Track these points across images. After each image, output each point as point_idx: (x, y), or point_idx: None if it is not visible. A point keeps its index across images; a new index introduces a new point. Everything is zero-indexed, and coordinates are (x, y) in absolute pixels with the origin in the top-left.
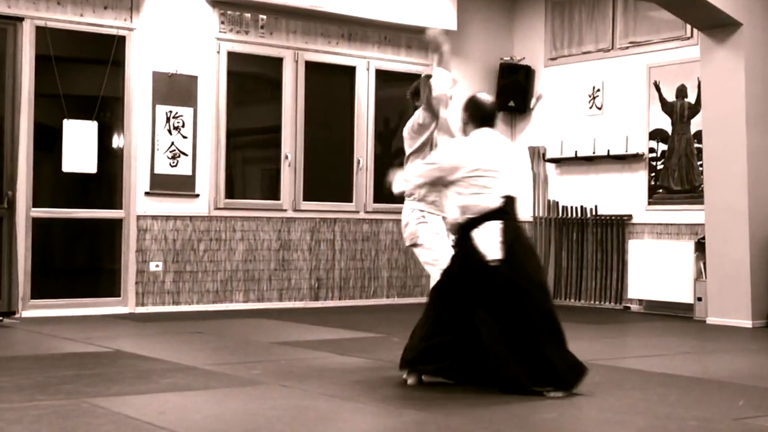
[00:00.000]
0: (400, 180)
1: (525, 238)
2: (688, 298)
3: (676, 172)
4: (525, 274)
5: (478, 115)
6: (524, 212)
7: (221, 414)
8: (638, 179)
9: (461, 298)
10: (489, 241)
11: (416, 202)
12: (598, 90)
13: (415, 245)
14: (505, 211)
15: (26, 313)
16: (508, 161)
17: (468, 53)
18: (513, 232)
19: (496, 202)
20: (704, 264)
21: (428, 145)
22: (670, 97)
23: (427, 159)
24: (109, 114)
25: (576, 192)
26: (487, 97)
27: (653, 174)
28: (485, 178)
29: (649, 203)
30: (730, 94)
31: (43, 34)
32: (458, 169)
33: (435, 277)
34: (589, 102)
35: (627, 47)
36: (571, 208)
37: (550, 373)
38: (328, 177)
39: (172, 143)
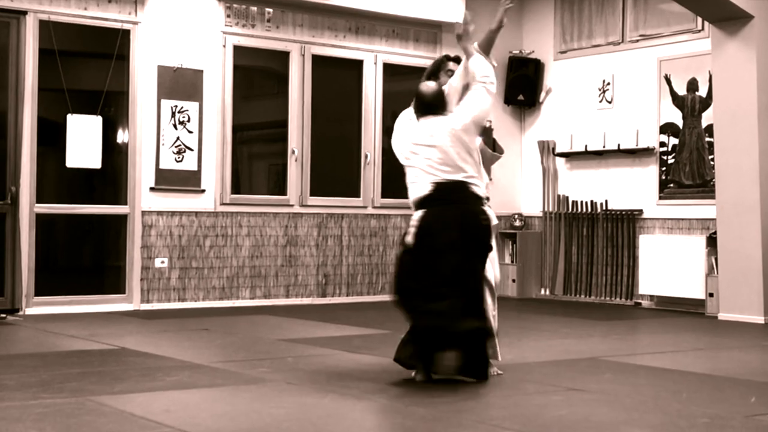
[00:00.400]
0: None
1: (447, 220)
2: (699, 293)
3: (687, 166)
4: (431, 252)
5: (419, 105)
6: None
7: (228, 412)
8: (649, 174)
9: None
10: (409, 229)
11: None
12: (608, 83)
13: None
14: (435, 198)
15: (30, 311)
16: (441, 145)
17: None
18: (431, 217)
19: (423, 191)
20: (716, 259)
21: None
22: (681, 90)
23: None
24: (113, 109)
25: (586, 187)
26: (427, 87)
27: (664, 168)
28: (415, 168)
29: (660, 198)
30: (742, 87)
31: (46, 27)
32: (397, 154)
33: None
34: (599, 96)
35: (637, 40)
36: (581, 203)
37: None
38: (335, 172)
39: (178, 138)
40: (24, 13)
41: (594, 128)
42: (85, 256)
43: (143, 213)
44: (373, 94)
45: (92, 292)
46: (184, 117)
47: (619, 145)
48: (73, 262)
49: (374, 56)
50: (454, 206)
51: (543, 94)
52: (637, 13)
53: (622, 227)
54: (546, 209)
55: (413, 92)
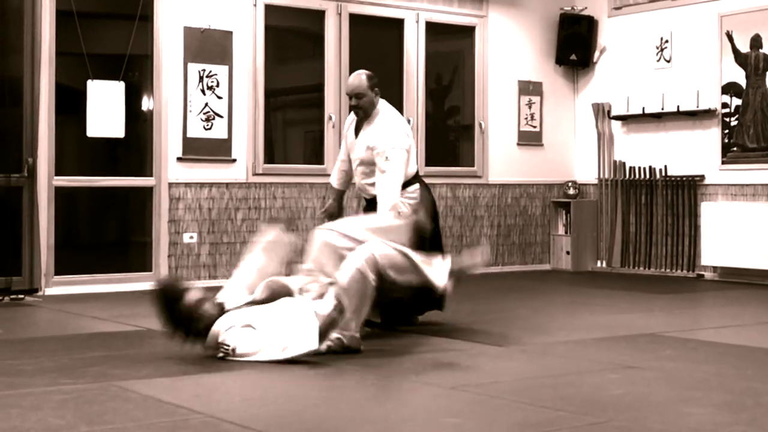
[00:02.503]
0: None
1: None
2: (766, 264)
3: (751, 128)
4: None
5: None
6: None
7: (262, 396)
8: (711, 137)
9: None
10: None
11: None
12: (667, 41)
13: None
14: None
15: (49, 291)
16: None
17: (526, 3)
18: None
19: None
20: None
21: None
22: (744, 47)
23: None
24: (137, 73)
25: (644, 152)
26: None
27: (727, 131)
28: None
29: (723, 162)
30: None
31: None
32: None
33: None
34: (657, 54)
35: None
36: (639, 169)
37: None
38: None
39: (206, 104)
40: None
41: (652, 89)
42: (108, 231)
43: (170, 185)
44: (415, 55)
45: (116, 270)
46: (212, 82)
47: (678, 106)
48: (95, 238)
49: (416, 14)
50: None
51: (597, 54)
52: None
53: (682, 194)
54: (601, 176)
55: (457, 53)
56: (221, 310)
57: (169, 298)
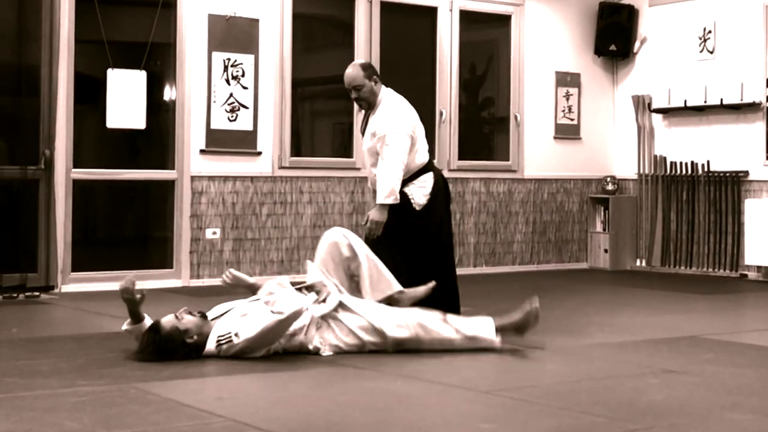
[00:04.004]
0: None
1: None
2: None
3: None
4: None
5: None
6: None
7: (286, 399)
8: (755, 131)
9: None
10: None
11: None
12: (710, 32)
13: None
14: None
15: (66, 288)
16: None
17: None
18: None
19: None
20: None
21: None
22: None
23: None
24: (159, 62)
25: (685, 146)
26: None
27: None
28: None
29: None
30: None
31: None
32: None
33: None
34: (700, 45)
35: None
36: (680, 164)
37: None
38: None
39: (231, 95)
40: None
41: (694, 81)
42: (128, 226)
43: (192, 178)
44: (449, 44)
45: (136, 267)
46: (237, 71)
47: (721, 99)
48: (114, 233)
49: (450, 2)
50: None
51: (637, 44)
52: None
53: (725, 191)
54: (641, 171)
55: (492, 43)
56: (203, 315)
57: (156, 332)
